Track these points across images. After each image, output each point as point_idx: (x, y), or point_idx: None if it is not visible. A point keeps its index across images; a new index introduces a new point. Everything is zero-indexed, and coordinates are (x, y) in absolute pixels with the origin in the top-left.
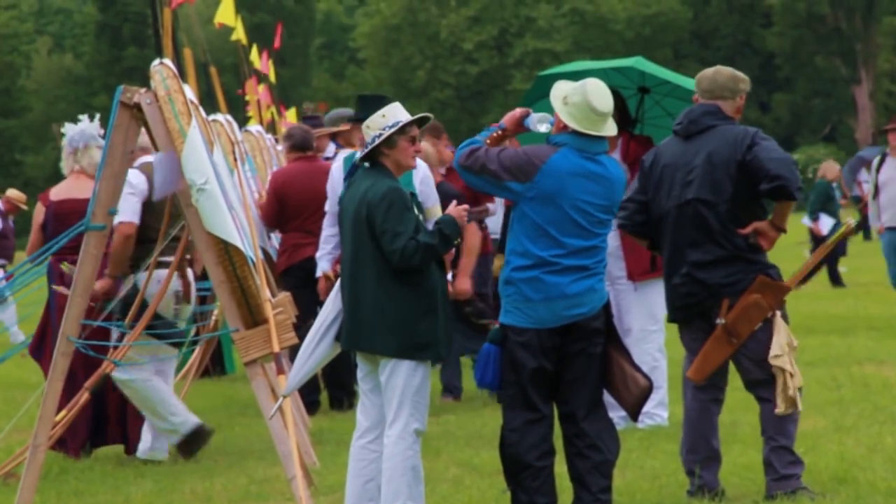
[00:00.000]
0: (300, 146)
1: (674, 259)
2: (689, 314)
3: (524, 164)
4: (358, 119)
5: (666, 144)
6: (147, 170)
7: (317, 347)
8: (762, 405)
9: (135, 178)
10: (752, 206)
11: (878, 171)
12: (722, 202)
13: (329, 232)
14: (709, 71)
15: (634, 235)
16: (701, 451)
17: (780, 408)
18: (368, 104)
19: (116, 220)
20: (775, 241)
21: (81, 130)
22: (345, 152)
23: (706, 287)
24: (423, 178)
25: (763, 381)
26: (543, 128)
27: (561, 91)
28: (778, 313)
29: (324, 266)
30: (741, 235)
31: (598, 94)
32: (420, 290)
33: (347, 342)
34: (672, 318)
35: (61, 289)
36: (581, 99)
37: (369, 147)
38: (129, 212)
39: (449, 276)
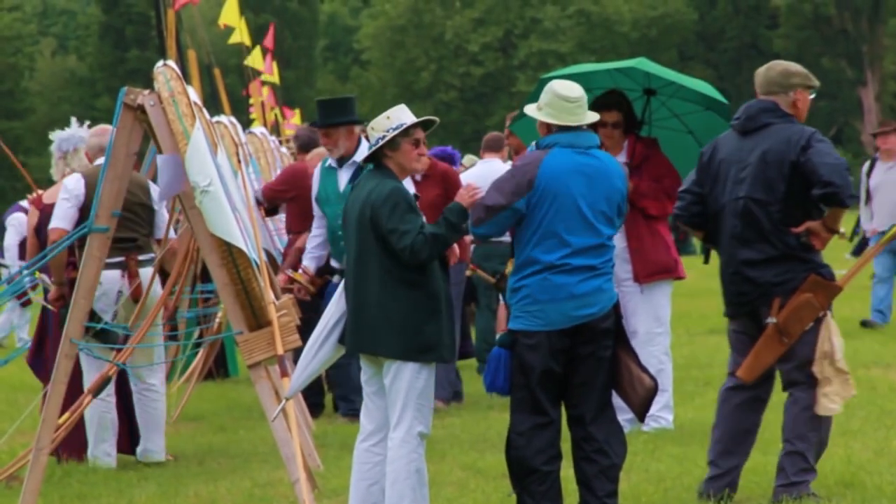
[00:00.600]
0: (306, 147)
1: (725, 256)
2: (740, 312)
3: (519, 177)
4: (323, 125)
5: (724, 138)
6: (92, 174)
7: (319, 350)
8: (792, 408)
9: (72, 183)
10: (806, 206)
11: (868, 175)
12: (774, 202)
13: (312, 233)
14: (763, 67)
15: (689, 227)
16: (726, 442)
17: (821, 409)
18: (330, 109)
19: (50, 225)
20: (828, 242)
21: (71, 134)
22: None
23: (757, 286)
24: None
25: (801, 384)
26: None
27: (531, 106)
28: (829, 313)
29: (304, 264)
30: (793, 234)
31: (564, 85)
32: (424, 291)
33: (352, 345)
34: (725, 313)
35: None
36: (551, 96)
37: (372, 149)
38: (59, 217)
39: None
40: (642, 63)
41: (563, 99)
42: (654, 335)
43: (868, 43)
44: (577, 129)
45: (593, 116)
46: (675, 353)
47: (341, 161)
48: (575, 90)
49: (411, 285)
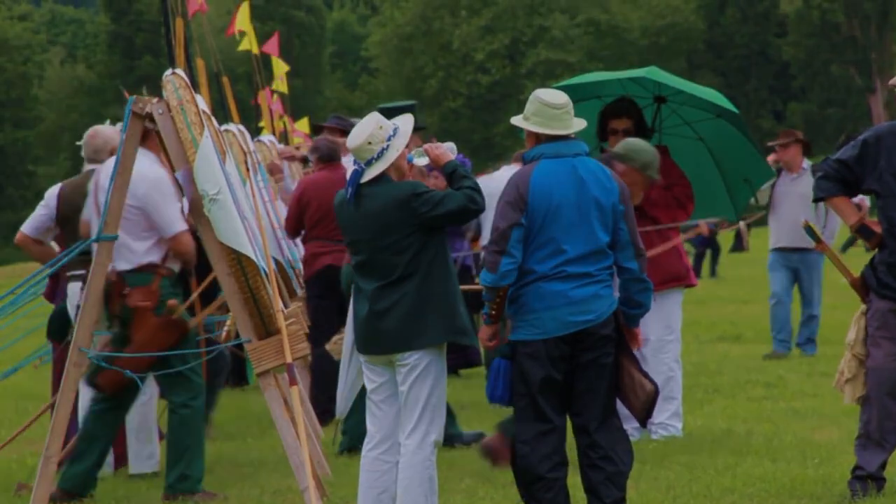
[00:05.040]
0: (327, 158)
1: None
2: None
3: (513, 199)
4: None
5: None
6: (71, 184)
7: (351, 361)
8: None
9: (49, 193)
10: None
11: (772, 187)
12: None
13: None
14: None
15: None
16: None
17: None
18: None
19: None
20: None
21: None
22: None
23: None
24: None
25: None
26: (423, 161)
27: (518, 117)
28: None
29: None
30: None
31: (549, 93)
32: (453, 275)
33: (390, 347)
34: None
35: None
36: (537, 105)
37: (391, 160)
38: (28, 223)
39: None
40: (653, 72)
41: (550, 106)
42: (665, 343)
43: (877, 50)
44: (565, 137)
45: (580, 124)
46: (684, 360)
47: None
48: (561, 97)
49: (444, 268)
